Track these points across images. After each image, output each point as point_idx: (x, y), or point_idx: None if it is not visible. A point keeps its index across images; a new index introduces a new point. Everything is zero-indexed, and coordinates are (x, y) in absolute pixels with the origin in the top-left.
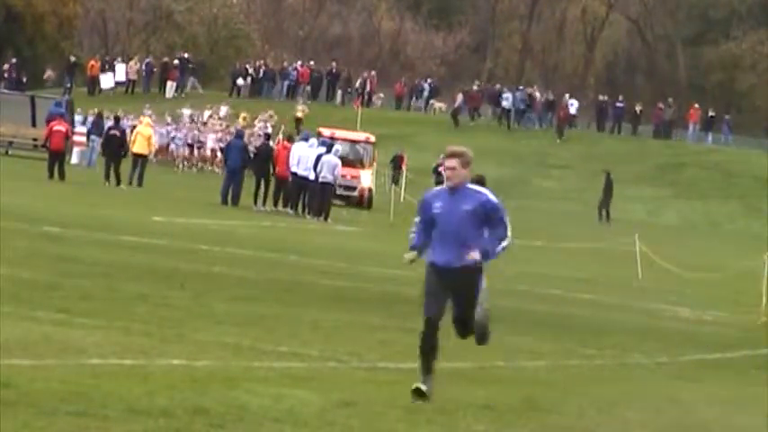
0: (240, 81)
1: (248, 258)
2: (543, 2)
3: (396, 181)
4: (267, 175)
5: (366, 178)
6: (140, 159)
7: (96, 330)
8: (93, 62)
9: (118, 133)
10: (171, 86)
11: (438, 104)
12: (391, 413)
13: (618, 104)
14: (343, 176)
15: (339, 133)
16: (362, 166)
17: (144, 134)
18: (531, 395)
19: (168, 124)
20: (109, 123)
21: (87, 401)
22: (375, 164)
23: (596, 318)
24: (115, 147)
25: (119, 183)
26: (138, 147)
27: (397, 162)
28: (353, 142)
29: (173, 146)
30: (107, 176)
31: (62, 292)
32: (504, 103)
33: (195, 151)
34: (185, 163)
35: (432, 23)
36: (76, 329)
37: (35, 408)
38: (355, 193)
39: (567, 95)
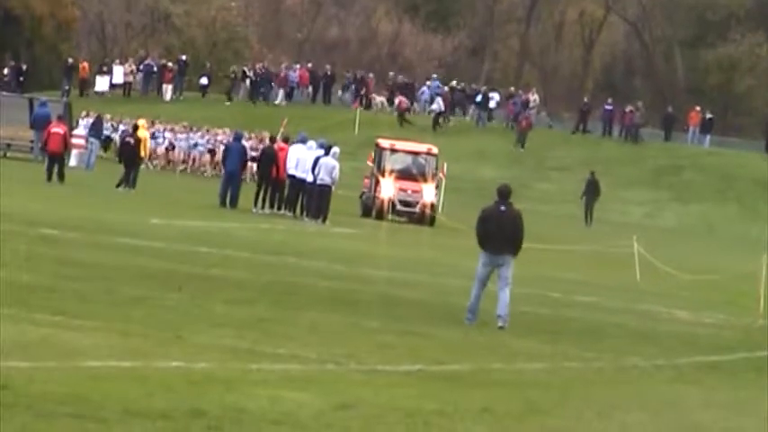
0: (204, 80)
1: (246, 261)
2: (541, 4)
3: None
4: (269, 178)
5: (428, 193)
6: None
7: (94, 333)
8: (84, 64)
9: (132, 141)
10: (167, 89)
11: (379, 98)
12: (389, 416)
13: (607, 107)
14: (403, 191)
15: (399, 145)
16: (424, 179)
17: (139, 136)
18: (529, 398)
19: (192, 131)
20: (127, 129)
21: (85, 404)
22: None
23: (595, 320)
24: (131, 154)
25: (133, 186)
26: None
27: None
28: (414, 154)
29: (195, 152)
30: (119, 184)
31: (60, 295)
32: (434, 106)
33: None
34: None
35: (430, 26)
36: (74, 332)
37: (33, 410)
38: (416, 209)
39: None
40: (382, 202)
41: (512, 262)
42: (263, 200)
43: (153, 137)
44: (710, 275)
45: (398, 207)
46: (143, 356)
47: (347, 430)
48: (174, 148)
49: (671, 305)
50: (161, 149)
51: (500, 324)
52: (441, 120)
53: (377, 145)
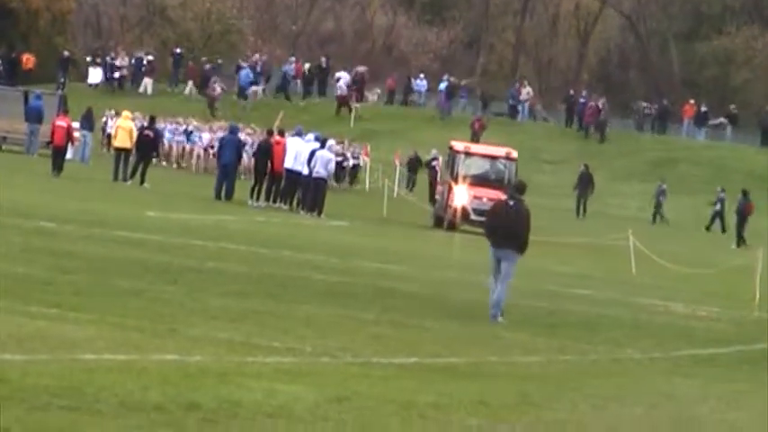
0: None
1: (242, 254)
2: None
3: (411, 186)
4: (266, 171)
5: None
6: (123, 153)
7: (90, 325)
8: (27, 56)
9: (152, 134)
10: (147, 83)
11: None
12: (384, 408)
13: (581, 100)
14: (478, 198)
15: (475, 148)
16: (502, 187)
17: (125, 128)
18: (524, 390)
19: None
20: (143, 123)
21: (80, 396)
22: None
23: (590, 313)
24: (148, 148)
25: (143, 182)
26: (120, 141)
27: (413, 164)
28: (492, 158)
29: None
30: (124, 176)
31: (56, 288)
32: (340, 83)
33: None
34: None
35: (425, 19)
36: (70, 324)
37: (28, 403)
38: None
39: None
40: (455, 210)
41: (513, 257)
42: (259, 192)
43: (188, 134)
44: (706, 268)
45: (472, 216)
46: (138, 349)
47: (342, 423)
48: (213, 147)
49: (666, 298)
50: (196, 148)
51: (497, 320)
52: (343, 106)
53: (450, 148)
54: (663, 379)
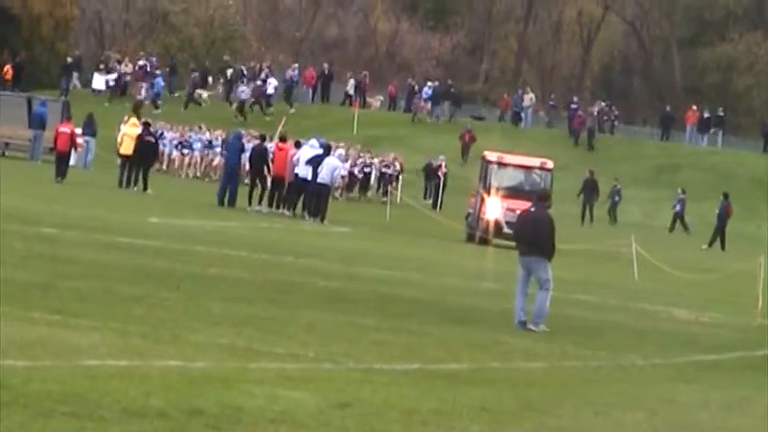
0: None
1: (244, 259)
2: (539, 3)
3: (428, 195)
4: (262, 176)
5: None
6: (129, 160)
7: (92, 331)
8: (7, 67)
9: (153, 140)
10: (141, 88)
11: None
12: (387, 414)
13: (573, 106)
14: (511, 211)
15: (508, 158)
16: None
17: (131, 135)
18: (526, 396)
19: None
20: (139, 130)
21: (83, 402)
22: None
23: (592, 319)
24: (149, 153)
25: (146, 188)
26: (125, 148)
27: (429, 172)
28: (526, 168)
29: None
30: (128, 182)
31: (58, 294)
32: (242, 96)
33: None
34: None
35: (428, 25)
36: (72, 331)
37: (31, 409)
38: None
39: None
40: (487, 223)
41: (543, 264)
42: (260, 197)
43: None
44: (709, 274)
45: (505, 230)
46: (141, 355)
47: (345, 429)
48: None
49: (669, 304)
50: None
51: (529, 326)
52: (245, 109)
53: (482, 158)
54: (665, 385)
